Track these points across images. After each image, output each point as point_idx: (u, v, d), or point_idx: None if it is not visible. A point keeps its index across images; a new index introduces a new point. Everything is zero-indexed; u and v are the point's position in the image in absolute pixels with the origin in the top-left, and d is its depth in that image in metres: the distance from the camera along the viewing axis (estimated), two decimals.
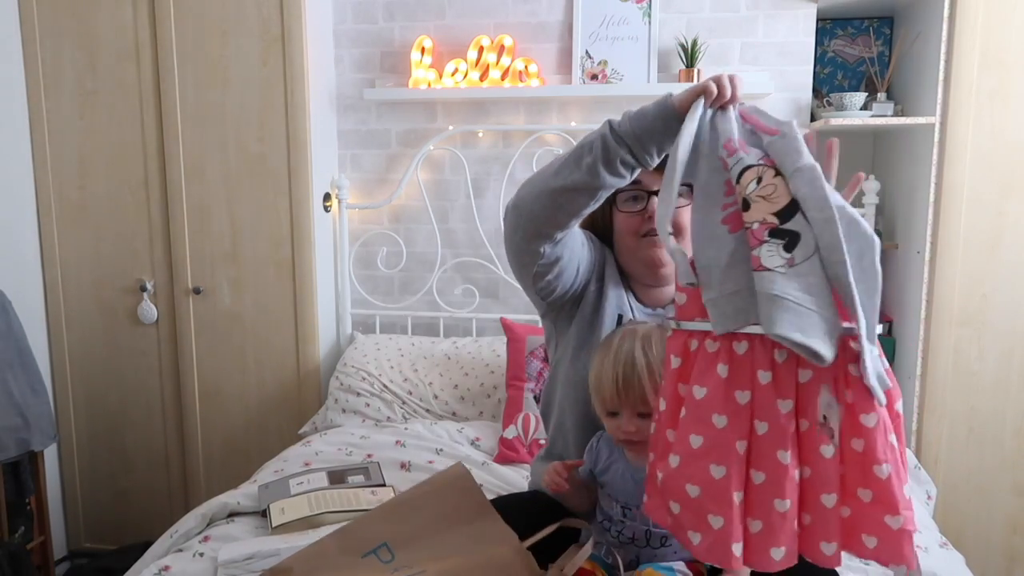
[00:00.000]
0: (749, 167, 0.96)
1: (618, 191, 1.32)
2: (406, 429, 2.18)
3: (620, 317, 1.39)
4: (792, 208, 0.91)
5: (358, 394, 2.35)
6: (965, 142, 2.12)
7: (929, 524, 1.72)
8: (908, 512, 0.93)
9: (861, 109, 2.27)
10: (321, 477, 1.78)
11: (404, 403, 2.33)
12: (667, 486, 1.01)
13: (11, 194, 2.47)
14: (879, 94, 2.35)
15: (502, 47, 2.51)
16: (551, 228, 1.24)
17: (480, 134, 2.61)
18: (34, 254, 2.55)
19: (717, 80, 1.05)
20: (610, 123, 1.18)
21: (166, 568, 1.45)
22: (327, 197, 2.56)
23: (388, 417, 2.31)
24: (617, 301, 1.40)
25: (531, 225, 1.25)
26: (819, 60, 2.52)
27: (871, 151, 2.59)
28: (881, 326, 2.44)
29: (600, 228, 1.44)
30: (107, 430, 2.65)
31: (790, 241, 0.89)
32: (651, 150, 1.15)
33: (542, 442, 1.94)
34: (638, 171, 1.19)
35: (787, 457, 0.94)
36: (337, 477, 1.78)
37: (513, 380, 2.23)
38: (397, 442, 2.07)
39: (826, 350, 0.88)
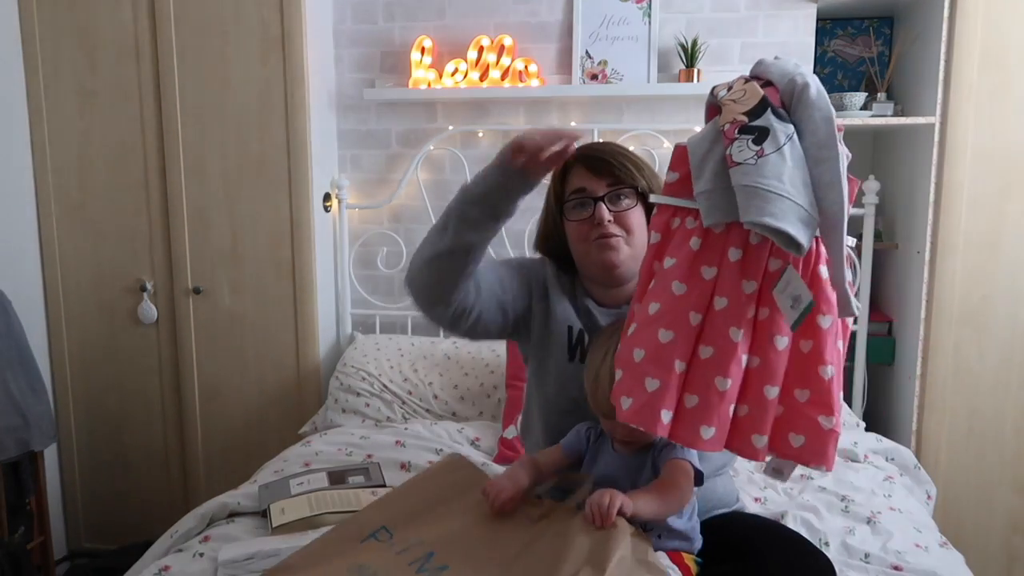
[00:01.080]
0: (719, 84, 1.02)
1: (565, 200, 1.39)
2: (406, 429, 2.18)
3: (570, 329, 1.41)
4: (761, 107, 0.94)
5: (358, 394, 2.35)
6: (965, 142, 2.12)
7: (929, 524, 1.72)
8: (839, 416, 0.97)
9: (861, 109, 2.27)
10: (321, 477, 1.77)
11: (404, 403, 2.33)
12: (620, 355, 1.03)
13: (11, 194, 2.47)
14: (879, 94, 2.36)
15: (502, 47, 2.51)
16: (442, 294, 1.32)
17: (480, 134, 2.61)
18: (34, 254, 2.55)
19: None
20: (464, 186, 1.32)
21: (166, 568, 1.45)
22: (327, 197, 2.56)
23: (388, 417, 2.31)
24: (564, 315, 1.41)
25: (423, 295, 1.35)
26: (819, 60, 2.52)
27: (871, 151, 2.59)
28: (881, 326, 2.45)
29: (555, 241, 1.46)
30: (107, 430, 2.65)
31: (759, 136, 0.92)
32: (503, 204, 1.29)
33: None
34: (505, 220, 1.31)
35: (739, 336, 0.95)
36: (337, 477, 1.78)
37: (513, 380, 2.23)
38: (397, 442, 2.07)
39: (801, 236, 0.89)
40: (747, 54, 2.45)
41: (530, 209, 2.56)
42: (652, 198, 1.09)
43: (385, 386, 2.36)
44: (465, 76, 2.52)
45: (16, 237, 2.49)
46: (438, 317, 1.36)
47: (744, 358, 0.96)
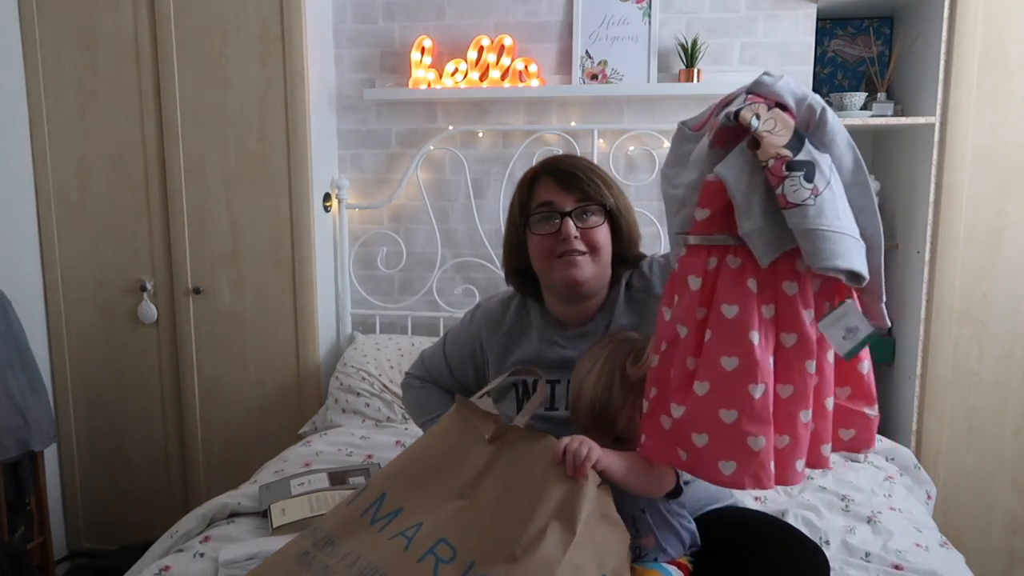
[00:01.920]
0: (739, 109, 0.93)
1: (531, 213, 1.37)
2: (406, 429, 2.18)
3: (515, 387, 1.44)
4: (797, 139, 0.91)
5: (358, 394, 2.35)
6: (965, 142, 2.12)
7: (929, 524, 1.72)
8: (876, 402, 1.00)
9: (861, 109, 2.27)
10: (322, 478, 1.77)
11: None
12: (691, 419, 0.96)
13: (11, 194, 2.47)
14: (879, 94, 2.35)
15: (502, 47, 2.51)
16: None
17: (480, 134, 2.61)
18: (34, 254, 2.55)
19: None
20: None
21: (166, 568, 1.45)
22: (327, 197, 2.56)
23: (388, 417, 2.31)
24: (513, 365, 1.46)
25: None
26: (819, 60, 2.52)
27: (871, 151, 2.59)
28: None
29: (518, 253, 1.44)
30: (107, 430, 2.65)
31: (808, 172, 0.89)
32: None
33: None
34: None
35: (812, 367, 0.94)
36: (338, 478, 1.78)
37: None
38: (397, 442, 2.07)
39: (864, 270, 0.90)
40: (747, 54, 2.45)
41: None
42: (691, 240, 0.99)
43: (385, 386, 2.36)
44: (465, 76, 2.52)
45: (16, 237, 2.49)
46: None
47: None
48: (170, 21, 2.38)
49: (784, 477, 0.95)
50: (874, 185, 2.33)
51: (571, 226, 1.32)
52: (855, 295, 0.95)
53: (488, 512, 1.02)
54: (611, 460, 1.06)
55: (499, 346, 1.49)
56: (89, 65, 2.46)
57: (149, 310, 2.53)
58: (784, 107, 0.94)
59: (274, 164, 2.41)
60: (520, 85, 2.49)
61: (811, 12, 2.41)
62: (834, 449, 1.00)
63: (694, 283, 0.97)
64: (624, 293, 1.42)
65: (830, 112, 0.94)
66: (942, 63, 2.13)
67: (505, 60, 2.51)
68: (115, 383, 2.61)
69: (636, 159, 2.53)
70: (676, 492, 1.17)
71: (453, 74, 2.53)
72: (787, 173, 0.88)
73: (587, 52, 2.49)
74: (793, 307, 0.94)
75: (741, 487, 0.95)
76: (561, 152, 2.55)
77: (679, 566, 1.17)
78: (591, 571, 0.96)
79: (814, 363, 0.94)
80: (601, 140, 2.52)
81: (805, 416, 0.94)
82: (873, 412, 1.00)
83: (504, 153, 2.59)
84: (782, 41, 2.43)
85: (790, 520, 1.61)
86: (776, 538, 1.24)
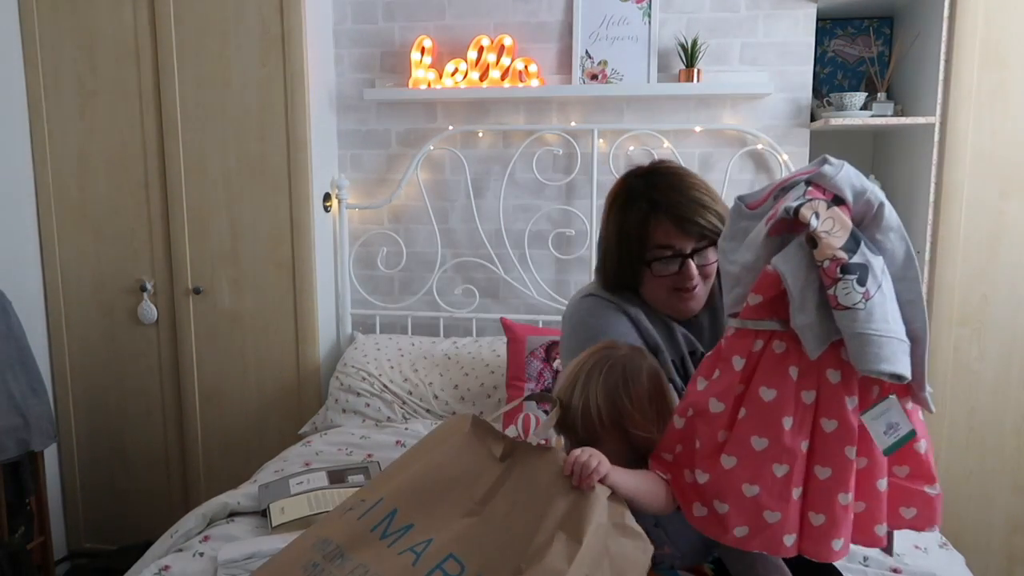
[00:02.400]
0: (800, 205, 0.96)
1: (651, 258, 1.35)
2: (406, 429, 2.18)
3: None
4: (854, 240, 0.94)
5: (358, 394, 2.35)
6: (965, 142, 2.12)
7: None
8: (937, 480, 1.01)
9: (861, 109, 2.27)
10: (321, 477, 1.78)
11: (404, 403, 2.33)
12: (717, 486, 1.01)
13: (11, 194, 2.47)
14: (879, 94, 2.36)
15: (502, 47, 2.51)
16: None
17: (480, 134, 2.61)
18: (34, 254, 2.55)
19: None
20: None
21: (166, 568, 1.45)
22: (327, 197, 2.56)
23: (388, 417, 2.31)
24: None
25: None
26: (819, 60, 2.52)
27: (871, 151, 2.59)
28: None
29: (627, 276, 1.42)
30: (107, 430, 2.65)
31: (861, 275, 0.92)
32: None
33: (542, 443, 1.94)
34: None
35: (853, 453, 0.97)
36: (337, 477, 1.78)
37: (513, 380, 2.23)
38: (397, 442, 2.07)
39: (908, 371, 0.93)
40: (747, 54, 2.45)
41: (530, 209, 2.59)
42: (736, 323, 1.04)
43: (385, 386, 2.36)
44: (465, 76, 2.52)
45: (16, 237, 2.49)
46: None
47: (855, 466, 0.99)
48: (170, 21, 2.39)
49: (819, 553, 0.99)
50: (875, 185, 2.33)
51: (693, 269, 1.34)
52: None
53: (496, 527, 1.01)
54: (620, 475, 1.05)
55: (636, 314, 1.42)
56: (89, 65, 2.46)
57: (149, 310, 2.53)
58: (841, 200, 0.97)
59: (274, 164, 2.41)
60: (520, 85, 2.49)
61: (811, 12, 2.41)
62: (896, 527, 1.03)
63: (738, 363, 1.01)
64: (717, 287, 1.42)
65: (887, 207, 0.98)
66: (942, 63, 2.13)
67: (505, 60, 2.51)
68: (115, 383, 2.62)
69: (636, 159, 2.53)
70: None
71: (453, 74, 2.53)
72: (840, 276, 0.92)
73: (587, 52, 2.49)
74: (836, 394, 0.97)
75: (749, 549, 1.01)
76: (560, 153, 2.55)
77: (698, 573, 1.17)
78: None
79: (854, 449, 0.97)
80: (601, 140, 2.52)
81: (844, 499, 0.97)
82: (934, 491, 1.01)
83: (504, 153, 2.59)
84: (782, 41, 2.43)
85: None
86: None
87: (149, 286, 2.53)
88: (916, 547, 1.55)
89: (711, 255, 1.35)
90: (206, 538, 1.57)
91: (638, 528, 1.01)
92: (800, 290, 0.95)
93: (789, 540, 0.99)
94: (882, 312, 0.92)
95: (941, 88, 2.13)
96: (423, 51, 2.54)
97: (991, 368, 2.19)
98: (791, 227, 0.97)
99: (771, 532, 0.98)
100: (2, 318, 2.25)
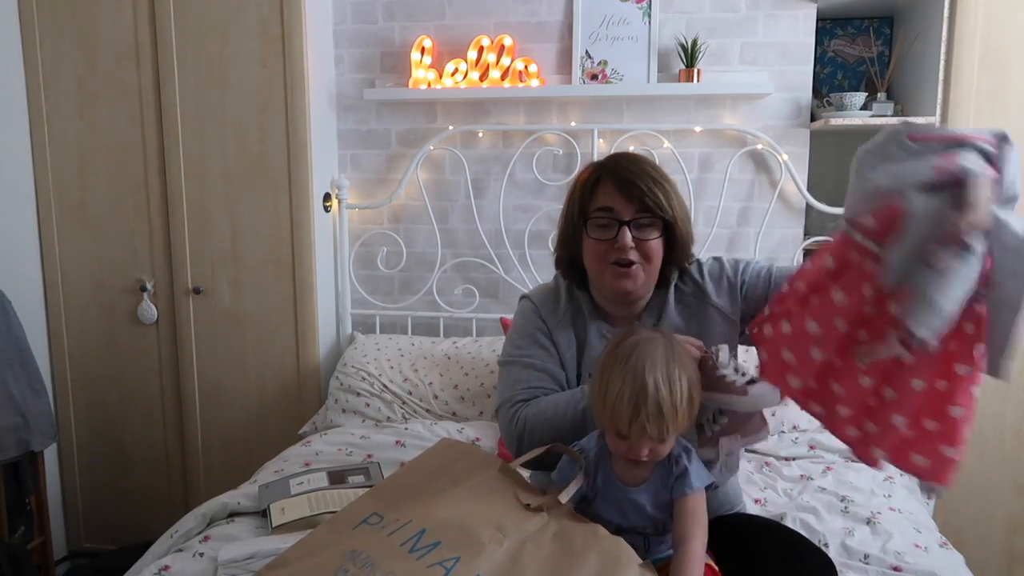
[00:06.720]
0: (972, 171, 0.98)
1: (589, 216, 1.36)
2: (406, 429, 2.18)
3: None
4: (988, 228, 0.98)
5: (358, 394, 2.35)
6: None
7: (929, 524, 1.72)
8: (962, 448, 1.06)
9: (861, 109, 2.27)
10: (321, 477, 1.78)
11: (404, 403, 2.33)
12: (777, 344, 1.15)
13: (11, 194, 2.47)
14: (879, 94, 2.36)
15: (502, 47, 2.51)
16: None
17: (480, 134, 2.61)
18: (34, 254, 2.55)
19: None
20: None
21: (166, 568, 1.45)
22: (327, 197, 2.56)
23: (388, 417, 2.31)
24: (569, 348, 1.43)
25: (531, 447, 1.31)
26: (819, 60, 2.52)
27: None
28: None
29: (572, 247, 1.43)
30: (107, 430, 2.65)
31: (966, 255, 0.97)
32: None
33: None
34: None
35: (962, 368, 1.03)
36: (337, 477, 1.78)
37: None
38: (397, 442, 2.07)
39: (931, 342, 0.99)
40: (747, 54, 2.45)
41: (530, 209, 2.59)
42: (846, 228, 1.07)
43: (385, 386, 2.36)
44: (465, 76, 2.52)
45: (16, 237, 2.49)
46: None
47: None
48: (170, 21, 2.39)
49: (865, 457, 1.11)
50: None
51: (628, 236, 1.32)
52: (982, 337, 1.02)
53: (526, 564, 1.05)
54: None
55: (562, 333, 1.44)
56: (89, 65, 2.46)
57: (149, 310, 2.53)
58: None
59: (274, 164, 2.41)
60: (520, 85, 2.49)
61: (811, 12, 2.41)
62: (905, 469, 1.09)
63: (829, 261, 1.11)
64: (675, 296, 1.42)
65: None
66: (942, 63, 2.13)
67: (505, 60, 2.51)
68: (115, 383, 2.62)
69: None
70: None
71: (453, 74, 2.53)
72: (954, 248, 0.96)
73: (587, 52, 2.49)
74: (886, 324, 1.02)
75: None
76: (560, 153, 2.55)
77: (709, 570, 1.17)
78: None
79: (922, 382, 1.04)
80: (601, 140, 2.52)
81: (954, 411, 1.04)
82: (949, 452, 1.05)
83: (504, 153, 2.59)
84: (782, 41, 2.43)
85: (788, 523, 1.61)
86: (784, 545, 1.26)
87: (149, 286, 2.53)
88: (916, 546, 1.55)
89: (650, 231, 1.33)
90: (206, 538, 1.57)
91: None
92: (917, 236, 0.98)
93: (817, 407, 1.13)
94: (954, 293, 0.96)
95: (941, 88, 2.13)
96: (423, 51, 2.54)
97: None
98: (951, 182, 0.98)
99: (798, 396, 1.13)
100: (2, 318, 2.25)
